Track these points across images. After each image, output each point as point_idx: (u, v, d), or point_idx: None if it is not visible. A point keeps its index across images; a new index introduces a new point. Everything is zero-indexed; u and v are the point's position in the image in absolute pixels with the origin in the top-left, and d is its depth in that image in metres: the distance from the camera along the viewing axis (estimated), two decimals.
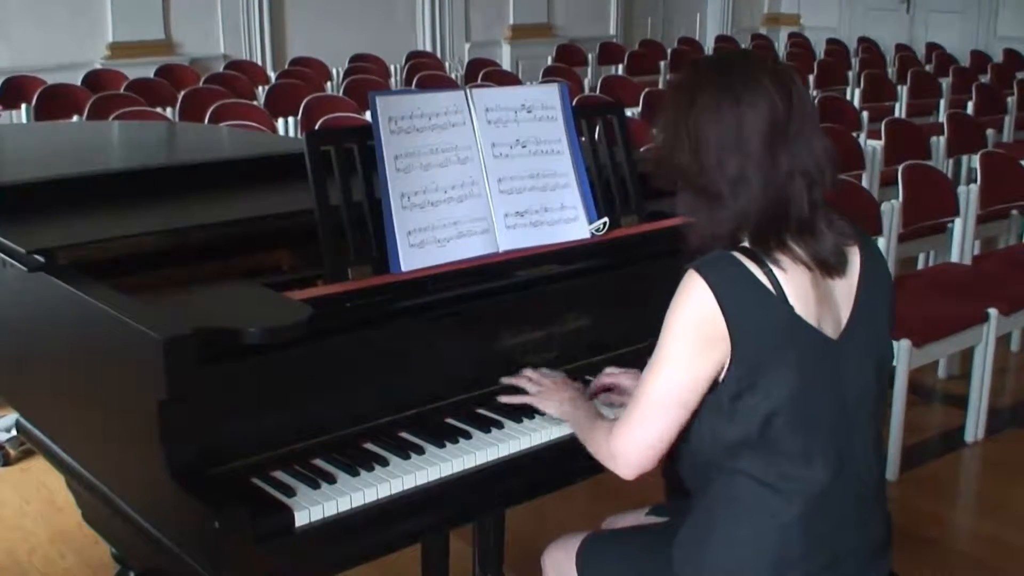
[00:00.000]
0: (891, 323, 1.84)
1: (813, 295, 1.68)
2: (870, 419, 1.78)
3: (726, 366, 1.66)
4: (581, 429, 1.87)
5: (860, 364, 1.74)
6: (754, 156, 1.65)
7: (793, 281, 1.67)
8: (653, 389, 1.70)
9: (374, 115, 2.01)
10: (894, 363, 3.58)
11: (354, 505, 1.72)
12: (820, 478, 1.69)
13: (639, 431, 1.72)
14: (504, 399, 1.98)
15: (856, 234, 1.78)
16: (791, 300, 1.66)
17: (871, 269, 1.77)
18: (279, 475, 1.76)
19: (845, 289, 1.74)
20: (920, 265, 5.30)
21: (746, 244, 1.69)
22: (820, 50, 10.87)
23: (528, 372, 2.03)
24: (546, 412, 1.95)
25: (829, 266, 1.70)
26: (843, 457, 1.71)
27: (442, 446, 1.87)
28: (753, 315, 1.64)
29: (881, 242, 4.15)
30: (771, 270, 1.66)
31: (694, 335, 1.66)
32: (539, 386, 1.99)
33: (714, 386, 1.68)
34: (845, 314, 1.73)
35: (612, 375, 2.08)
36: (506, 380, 2.01)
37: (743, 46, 11.03)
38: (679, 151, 1.71)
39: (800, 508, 1.69)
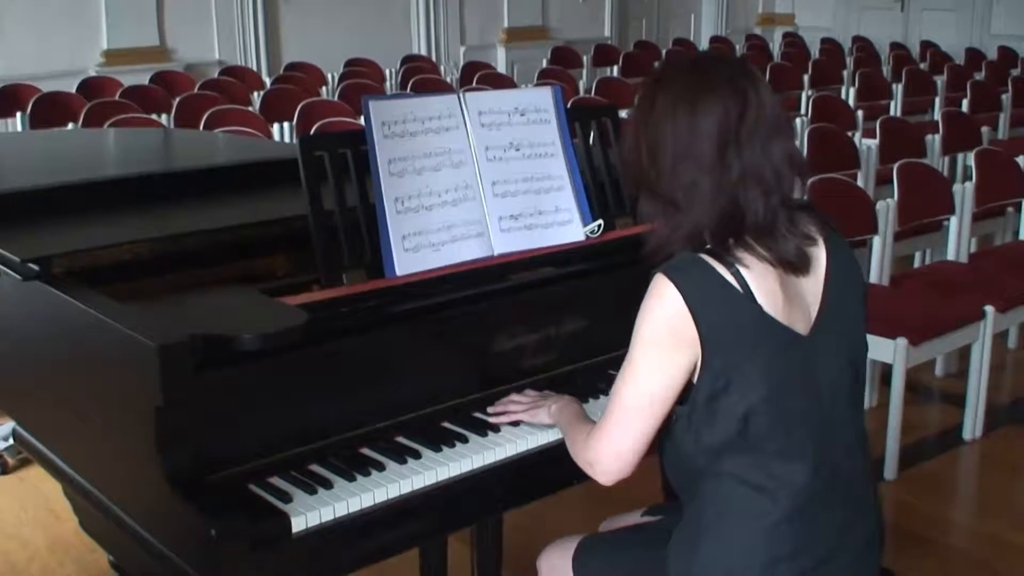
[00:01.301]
0: (864, 318, 1.83)
1: (781, 293, 1.69)
2: (849, 415, 1.78)
3: (698, 369, 1.67)
4: (565, 433, 1.89)
5: (832, 360, 1.74)
6: (705, 162, 1.66)
7: (760, 280, 1.67)
8: (626, 395, 1.70)
9: (367, 120, 2.01)
10: (891, 362, 3.59)
11: (351, 510, 1.72)
12: (802, 476, 1.70)
13: (614, 438, 1.72)
14: (495, 420, 1.97)
15: (823, 230, 1.77)
16: (759, 299, 1.67)
17: (839, 265, 1.77)
18: (276, 481, 1.75)
19: (813, 286, 1.75)
20: (916, 263, 5.31)
21: (709, 246, 1.69)
22: (815, 49, 10.88)
23: (513, 396, 2.03)
24: (539, 422, 1.95)
25: (793, 266, 1.71)
26: (823, 454, 1.72)
27: (439, 450, 1.87)
28: (722, 316, 1.65)
29: (876, 241, 4.16)
30: (738, 270, 1.66)
31: (664, 338, 1.66)
32: (524, 404, 1.99)
33: (690, 389, 1.69)
34: (814, 311, 1.74)
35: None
36: (492, 410, 2.00)
37: (738, 47, 11.06)
38: (639, 156, 1.72)
39: (787, 507, 1.69)
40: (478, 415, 2.00)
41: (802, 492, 1.70)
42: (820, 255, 1.76)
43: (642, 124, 1.72)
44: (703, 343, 1.64)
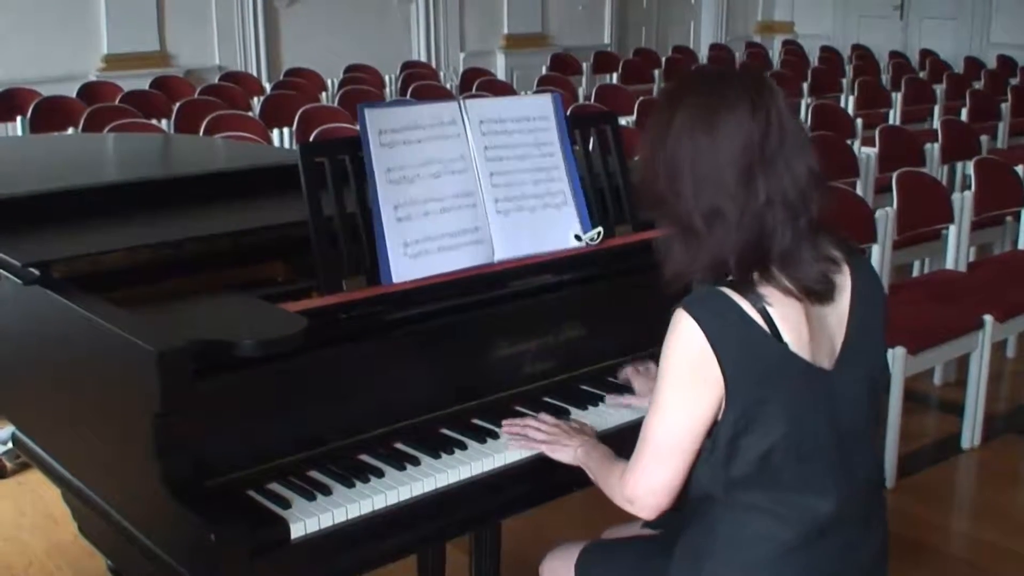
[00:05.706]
0: (884, 338, 1.80)
1: (806, 327, 1.64)
2: (868, 441, 1.76)
3: (722, 407, 1.63)
4: (596, 475, 1.84)
5: (856, 390, 1.71)
6: (729, 187, 1.59)
7: (785, 315, 1.62)
8: (657, 434, 1.67)
9: (363, 128, 2.00)
10: (890, 372, 3.58)
11: (349, 517, 1.72)
12: (820, 507, 1.67)
13: (648, 475, 1.69)
14: (514, 445, 1.92)
15: (847, 253, 1.73)
16: (785, 336, 1.62)
17: (863, 289, 1.73)
18: (275, 487, 1.76)
19: (838, 314, 1.70)
20: (915, 272, 5.31)
21: (732, 278, 1.63)
22: (814, 57, 10.88)
23: (530, 421, 1.97)
24: (561, 460, 1.90)
25: (817, 294, 1.65)
26: (842, 483, 1.69)
27: (437, 457, 1.87)
28: (746, 354, 1.60)
29: (875, 249, 4.16)
30: (764, 307, 1.61)
31: (689, 376, 1.62)
32: (547, 434, 1.93)
33: (714, 425, 1.65)
34: (839, 340, 1.70)
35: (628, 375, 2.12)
36: (507, 430, 1.96)
37: (737, 54, 11.07)
38: (655, 178, 1.66)
39: (801, 533, 1.67)
40: (477, 422, 2.00)
41: (819, 521, 1.67)
42: (845, 281, 1.71)
43: (659, 145, 1.64)
44: (726, 382, 1.60)
